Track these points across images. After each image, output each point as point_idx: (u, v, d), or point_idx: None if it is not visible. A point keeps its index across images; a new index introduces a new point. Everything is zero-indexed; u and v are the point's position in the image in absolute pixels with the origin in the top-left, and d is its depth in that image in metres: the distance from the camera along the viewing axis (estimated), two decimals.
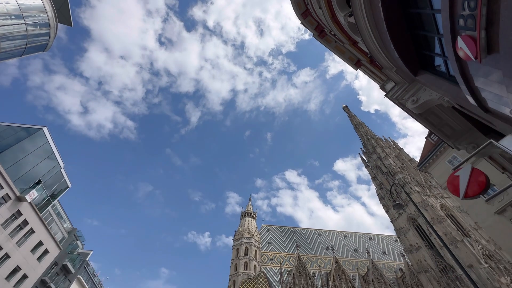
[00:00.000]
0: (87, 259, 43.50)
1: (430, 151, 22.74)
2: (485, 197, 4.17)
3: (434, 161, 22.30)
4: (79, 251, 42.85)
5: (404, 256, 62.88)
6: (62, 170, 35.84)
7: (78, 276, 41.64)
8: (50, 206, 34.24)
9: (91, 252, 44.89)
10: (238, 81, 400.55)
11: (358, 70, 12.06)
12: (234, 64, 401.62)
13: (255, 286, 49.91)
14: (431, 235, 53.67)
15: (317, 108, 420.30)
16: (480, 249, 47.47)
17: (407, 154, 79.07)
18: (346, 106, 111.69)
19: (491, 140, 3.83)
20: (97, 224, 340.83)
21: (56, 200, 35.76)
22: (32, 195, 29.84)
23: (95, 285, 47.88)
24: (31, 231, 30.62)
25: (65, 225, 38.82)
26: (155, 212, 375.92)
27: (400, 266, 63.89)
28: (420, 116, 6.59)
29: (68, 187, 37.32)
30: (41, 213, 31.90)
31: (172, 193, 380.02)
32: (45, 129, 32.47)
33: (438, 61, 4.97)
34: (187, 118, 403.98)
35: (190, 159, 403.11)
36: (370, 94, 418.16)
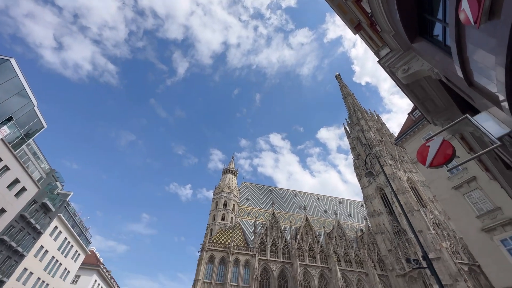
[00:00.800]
0: (67, 200, 44.21)
1: (409, 127, 23.68)
2: (447, 167, 4.47)
3: (411, 137, 23.41)
4: (59, 191, 43.19)
5: (366, 219, 70.00)
6: (36, 108, 33.71)
7: (59, 214, 42.72)
8: (25, 146, 33.05)
9: (71, 193, 45.44)
10: (231, 33, 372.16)
11: (357, 35, 11.51)
12: (228, 13, 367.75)
13: (231, 234, 54.35)
14: (393, 204, 59.30)
15: (309, 73, 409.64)
16: (431, 218, 53.70)
17: (388, 129, 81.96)
18: (339, 75, 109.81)
19: (467, 115, 3.96)
20: (77, 168, 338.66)
21: (31, 140, 34.42)
22: (4, 131, 28.38)
23: (77, 224, 49.76)
24: (6, 167, 29.93)
25: (42, 166, 38.20)
26: (138, 161, 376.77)
27: (361, 228, 71.57)
28: (407, 87, 6.62)
29: (43, 127, 35.67)
30: (15, 151, 30.86)
31: (155, 144, 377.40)
32: (13, 61, 29.35)
33: (437, 30, 4.81)
34: (173, 68, 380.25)
35: (175, 112, 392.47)
36: (365, 65, 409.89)
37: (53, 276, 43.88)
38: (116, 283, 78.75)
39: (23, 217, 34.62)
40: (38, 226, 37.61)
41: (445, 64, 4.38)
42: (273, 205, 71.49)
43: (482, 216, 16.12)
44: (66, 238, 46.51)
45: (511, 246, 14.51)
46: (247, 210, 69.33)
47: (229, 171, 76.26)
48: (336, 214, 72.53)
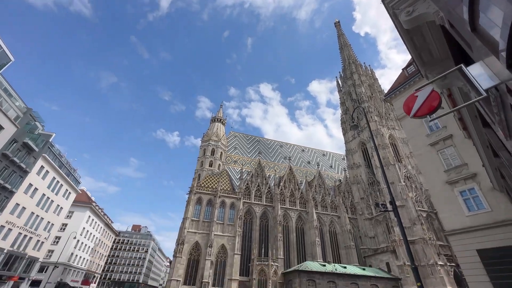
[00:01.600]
0: (50, 140, 43.32)
1: (401, 83, 23.44)
2: (429, 118, 4.53)
3: (401, 93, 23.39)
4: (40, 131, 41.89)
5: (345, 170, 75.01)
6: None
7: (44, 155, 42.36)
8: None
9: (53, 134, 44.29)
10: None
11: None
12: None
13: (218, 179, 57.24)
14: (372, 158, 63.06)
15: (307, 18, 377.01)
16: (404, 172, 58.33)
17: (379, 85, 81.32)
18: (338, 22, 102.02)
19: (461, 64, 3.80)
20: (57, 109, 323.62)
21: None
22: None
23: (63, 165, 50.01)
24: None
25: (17, 104, 35.92)
26: (122, 106, 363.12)
27: (340, 178, 77.21)
28: (407, 33, 6.19)
29: (10, 61, 32.23)
30: None
31: (139, 88, 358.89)
32: None
33: None
34: (156, 0, 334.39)
35: (159, 53, 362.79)
36: (367, 12, 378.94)
37: (46, 211, 46.04)
38: (110, 219, 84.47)
39: (5, 155, 34.08)
40: (23, 165, 37.52)
41: (452, 6, 4.01)
42: (260, 155, 74.07)
43: (449, 170, 17.59)
44: (54, 178, 47.27)
45: (466, 196, 16.39)
46: (234, 158, 71.70)
47: (217, 120, 75.75)
48: (318, 165, 76.80)
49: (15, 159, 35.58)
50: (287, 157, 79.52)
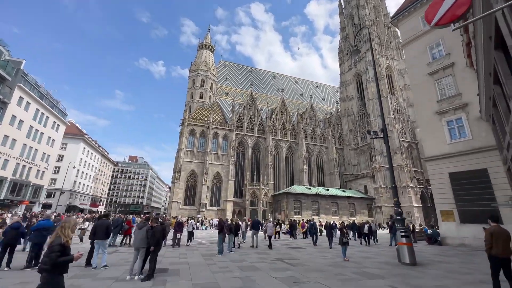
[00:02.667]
0: (21, 68, 39.48)
1: (412, 2, 20.80)
2: (453, 26, 3.92)
3: (410, 14, 21.02)
4: (7, 58, 37.63)
5: (337, 103, 75.08)
6: None
7: (18, 84, 39.29)
8: None
9: (24, 61, 40.10)
10: None
11: None
12: None
13: (209, 111, 56.71)
14: (366, 90, 62.21)
15: None
16: (394, 105, 58.95)
17: (386, 7, 72.90)
18: None
19: None
20: (19, 32, 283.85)
21: None
22: None
23: (44, 96, 47.27)
24: None
25: None
26: (95, 30, 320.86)
27: (331, 111, 77.93)
28: None
29: None
30: None
31: (112, 7, 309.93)
32: None
33: None
34: None
35: None
36: None
37: (39, 143, 46.18)
38: (105, 150, 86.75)
39: None
40: (0, 96, 35.18)
41: None
42: (252, 86, 71.60)
43: (442, 100, 17.61)
44: (38, 109, 45.41)
45: (452, 126, 17.02)
46: (226, 89, 69.29)
47: (205, 47, 69.29)
48: (311, 97, 75.93)
49: None
50: (279, 89, 77.44)
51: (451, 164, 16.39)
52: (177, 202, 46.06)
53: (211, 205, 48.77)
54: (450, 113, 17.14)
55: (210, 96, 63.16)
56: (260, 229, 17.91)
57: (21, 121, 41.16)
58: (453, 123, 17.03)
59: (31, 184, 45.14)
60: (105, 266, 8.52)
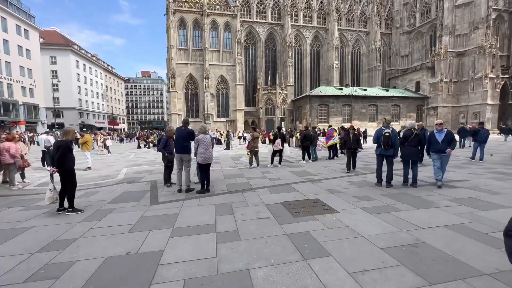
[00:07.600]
0: None
1: None
2: None
3: None
4: None
5: None
6: None
7: None
8: None
9: None
10: None
11: None
12: None
13: None
14: None
15: None
16: None
17: None
18: None
19: None
20: None
21: None
22: None
23: None
24: None
25: None
26: None
27: None
28: None
29: None
30: None
31: None
32: None
33: None
34: None
35: None
36: None
37: (8, 54, 38.45)
38: (110, 66, 78.35)
39: None
40: None
41: None
42: None
43: None
44: None
45: None
46: None
47: None
48: None
49: None
50: None
51: None
52: (178, 114, 39.01)
53: (218, 116, 41.31)
54: None
55: None
56: None
57: None
58: None
59: (20, 103, 40.53)
60: None
